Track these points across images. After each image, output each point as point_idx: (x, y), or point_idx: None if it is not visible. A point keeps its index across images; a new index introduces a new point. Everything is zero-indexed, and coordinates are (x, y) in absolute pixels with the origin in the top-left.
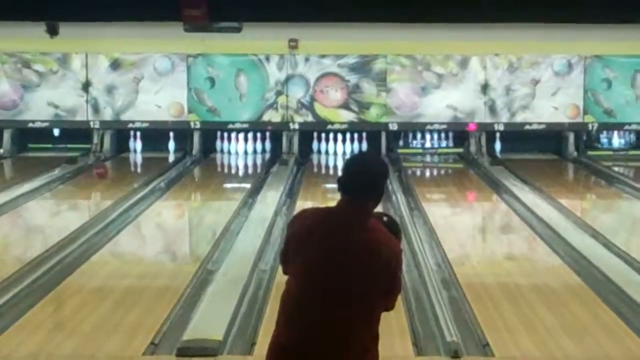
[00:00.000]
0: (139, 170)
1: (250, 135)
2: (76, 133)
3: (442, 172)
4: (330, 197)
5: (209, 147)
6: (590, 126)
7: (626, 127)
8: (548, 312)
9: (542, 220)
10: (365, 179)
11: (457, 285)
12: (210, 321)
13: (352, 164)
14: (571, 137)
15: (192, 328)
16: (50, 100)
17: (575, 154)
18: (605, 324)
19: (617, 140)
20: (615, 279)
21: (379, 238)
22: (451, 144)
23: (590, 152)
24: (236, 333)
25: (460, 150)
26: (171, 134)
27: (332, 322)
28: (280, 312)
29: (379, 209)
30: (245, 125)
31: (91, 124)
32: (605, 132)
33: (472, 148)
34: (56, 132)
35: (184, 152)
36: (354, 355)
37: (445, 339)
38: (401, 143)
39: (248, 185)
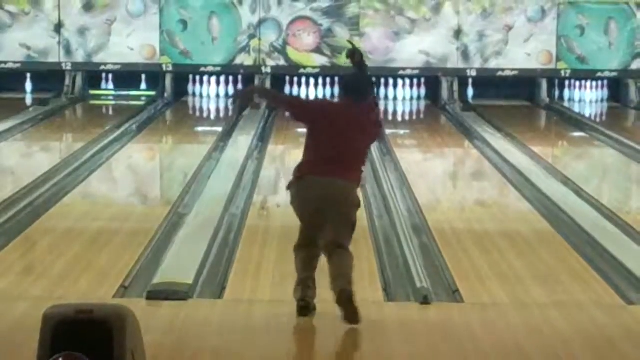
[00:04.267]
0: (110, 112)
1: (222, 78)
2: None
3: (414, 117)
4: (302, 141)
5: (180, 90)
6: (563, 73)
7: (599, 74)
8: (518, 258)
9: (514, 166)
10: (363, 84)
11: (427, 231)
12: (180, 265)
13: (351, 78)
14: (544, 83)
15: (163, 271)
16: (22, 42)
17: (548, 100)
18: (574, 271)
19: (588, 96)
20: (585, 226)
21: (372, 121)
22: None
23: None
24: (206, 277)
25: None
26: (143, 77)
27: (341, 160)
28: (305, 158)
29: None
30: (218, 69)
31: (63, 65)
32: (577, 87)
33: (444, 94)
34: (28, 87)
35: (156, 94)
36: (350, 180)
37: (415, 285)
38: None
39: (220, 129)
